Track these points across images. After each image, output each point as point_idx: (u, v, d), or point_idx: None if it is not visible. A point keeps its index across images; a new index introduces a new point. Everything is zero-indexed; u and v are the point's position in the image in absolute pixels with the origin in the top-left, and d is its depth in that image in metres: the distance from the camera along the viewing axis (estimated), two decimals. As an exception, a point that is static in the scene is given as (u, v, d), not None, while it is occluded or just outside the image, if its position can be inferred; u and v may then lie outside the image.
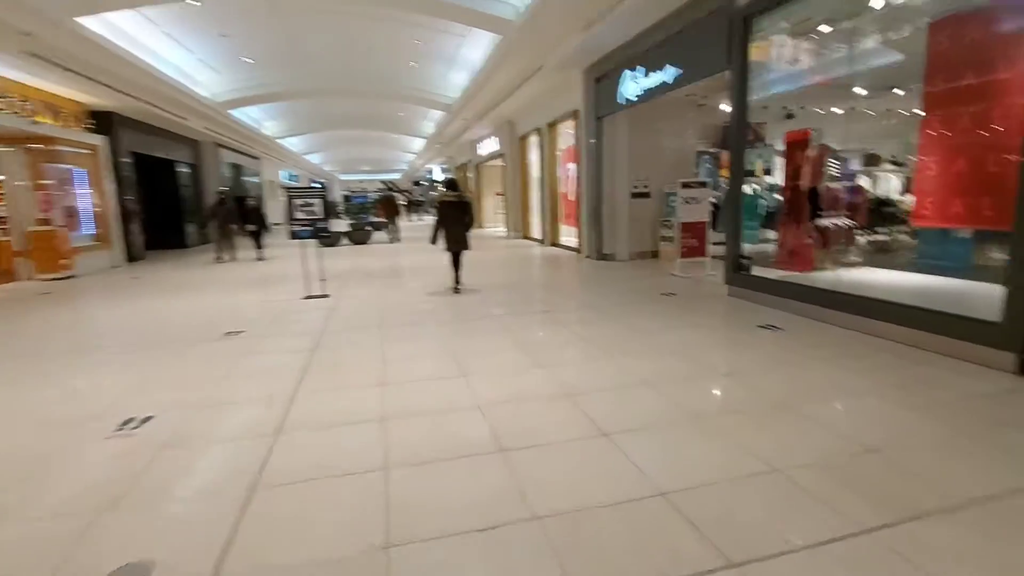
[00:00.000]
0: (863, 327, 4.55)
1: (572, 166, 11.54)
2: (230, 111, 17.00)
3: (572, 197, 11.96)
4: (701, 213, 7.90)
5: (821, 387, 3.51)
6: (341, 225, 16.06)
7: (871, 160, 7.67)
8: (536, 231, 15.00)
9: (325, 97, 18.63)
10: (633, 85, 8.25)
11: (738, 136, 6.05)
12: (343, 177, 57.38)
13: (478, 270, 9.24)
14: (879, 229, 6.82)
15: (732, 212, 6.22)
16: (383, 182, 59.30)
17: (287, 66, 14.84)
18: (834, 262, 6.09)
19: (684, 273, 7.93)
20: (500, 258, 11.43)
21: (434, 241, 7.34)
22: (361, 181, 60.30)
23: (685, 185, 7.79)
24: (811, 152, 5.91)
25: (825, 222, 6.17)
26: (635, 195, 10.01)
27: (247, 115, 19.65)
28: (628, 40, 8.17)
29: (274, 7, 10.84)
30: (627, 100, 8.52)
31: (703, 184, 7.88)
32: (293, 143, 28.48)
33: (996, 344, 3.56)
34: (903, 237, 6.44)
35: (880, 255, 6.52)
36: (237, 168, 21.98)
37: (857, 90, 5.83)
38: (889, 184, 7.42)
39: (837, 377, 3.65)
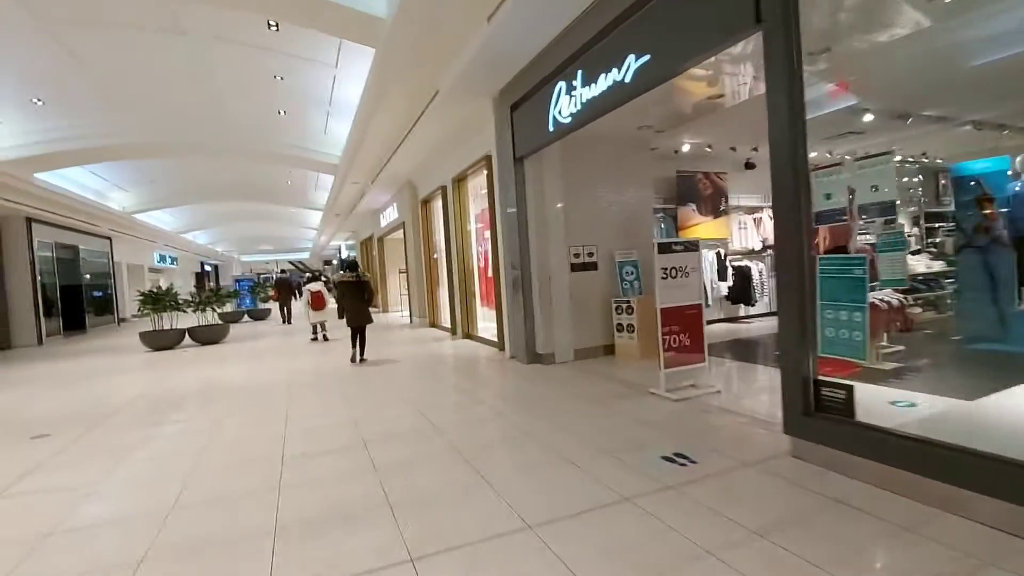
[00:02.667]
0: None
1: (489, 233, 8.47)
2: (36, 174, 12.81)
3: (491, 273, 8.82)
4: (692, 292, 4.89)
5: None
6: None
7: None
8: (446, 318, 11.63)
9: (181, 157, 14.86)
10: (568, 100, 5.39)
11: (792, 145, 3.10)
12: (245, 259, 52.07)
13: (338, 402, 5.65)
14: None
15: (796, 288, 3.16)
16: (291, 262, 54.64)
17: (107, 112, 11.12)
18: None
19: (673, 392, 4.77)
20: (384, 366, 7.83)
21: (340, 316, 8.42)
22: (267, 262, 55.33)
23: (664, 248, 4.79)
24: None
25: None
26: (577, 267, 6.98)
27: (76, 182, 15.41)
28: (557, 35, 5.40)
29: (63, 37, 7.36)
30: (560, 124, 5.64)
31: (693, 247, 4.91)
32: (162, 219, 23.99)
33: None
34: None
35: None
36: (70, 249, 17.23)
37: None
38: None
39: None
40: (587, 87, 5.07)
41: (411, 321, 13.95)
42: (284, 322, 17.00)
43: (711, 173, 9.46)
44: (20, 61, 8.88)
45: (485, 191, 8.43)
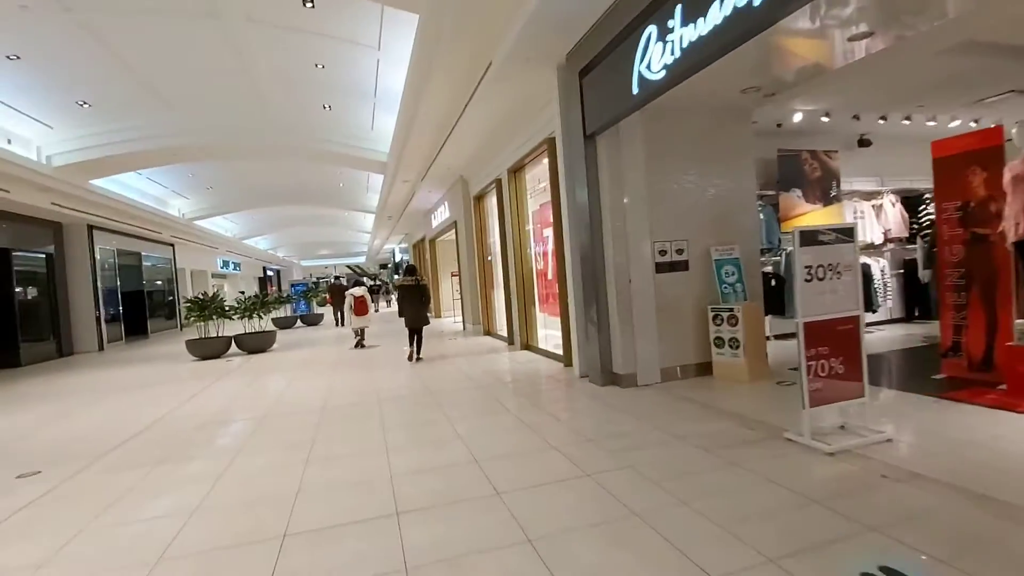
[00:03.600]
0: None
1: (552, 231, 7.30)
2: (92, 181, 12.76)
3: (552, 276, 7.64)
4: (847, 298, 3.49)
5: None
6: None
7: None
8: (502, 326, 10.53)
9: (231, 161, 14.59)
10: (661, 49, 4.12)
11: None
12: (305, 263, 53.37)
13: (373, 441, 4.63)
14: None
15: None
16: (348, 266, 55.54)
17: (152, 113, 10.78)
18: None
19: (821, 439, 3.40)
20: (435, 386, 6.79)
21: (401, 315, 8.72)
22: (325, 267, 56.56)
23: (809, 239, 3.41)
24: None
25: None
26: (663, 267, 5.66)
27: (135, 189, 15.48)
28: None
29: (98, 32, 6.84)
30: (649, 83, 4.37)
31: (847, 235, 3.51)
32: (223, 226, 24.34)
33: None
34: None
35: None
36: (133, 256, 17.45)
37: None
38: None
39: None
40: (690, 24, 3.77)
41: (464, 328, 12.96)
42: (337, 325, 17.19)
43: (819, 152, 7.87)
44: (61, 62, 8.52)
45: (545, 184, 7.26)
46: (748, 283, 5.75)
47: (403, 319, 8.61)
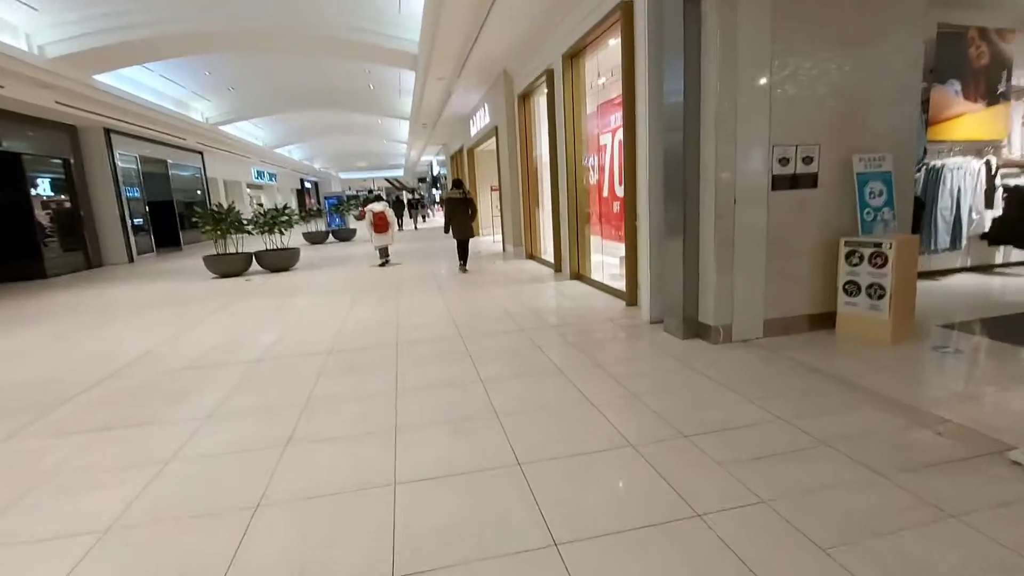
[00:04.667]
0: None
1: (620, 134, 5.71)
2: (96, 76, 11.57)
3: (619, 190, 6.16)
4: None
5: None
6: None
7: None
8: (548, 250, 9.18)
9: (249, 56, 13.05)
10: None
11: None
12: (344, 175, 52.39)
13: (381, 408, 3.49)
14: None
15: None
16: (387, 179, 54.24)
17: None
18: None
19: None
20: (456, 321, 5.61)
21: (447, 231, 9.03)
22: (364, 179, 55.48)
23: None
24: None
25: None
26: (782, 182, 4.09)
27: (150, 89, 14.25)
28: None
29: None
30: None
31: None
32: (252, 133, 23.14)
33: None
34: None
35: None
36: (159, 163, 16.58)
37: None
38: None
39: None
40: None
41: (504, 249, 11.66)
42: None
43: (989, 30, 5.77)
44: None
45: (606, 79, 5.58)
46: (900, 208, 4.14)
47: (450, 231, 8.94)
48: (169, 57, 11.90)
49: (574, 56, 6.87)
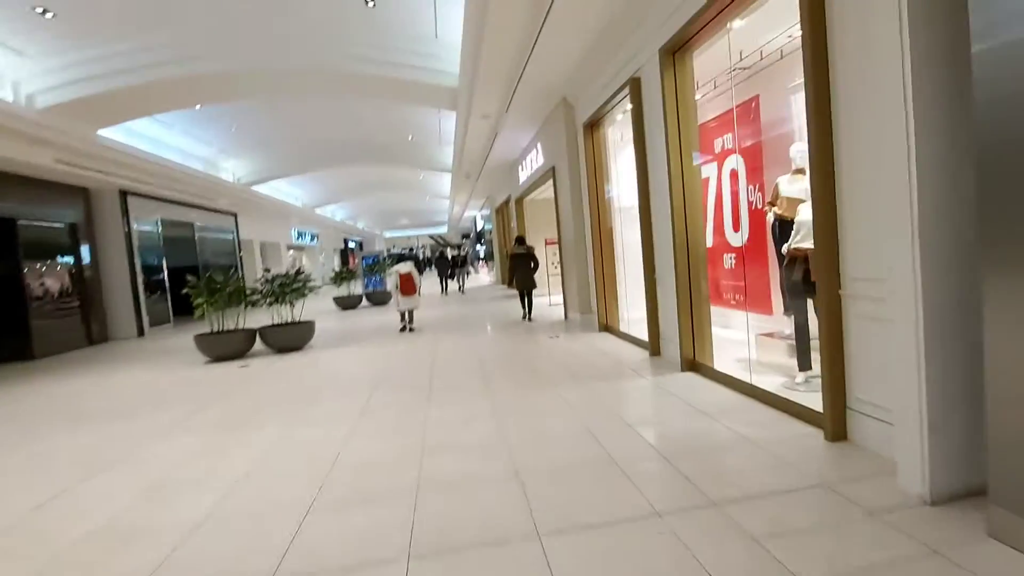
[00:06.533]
0: None
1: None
2: (101, 131, 10.38)
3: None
4: None
5: None
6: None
7: None
8: (631, 319, 6.79)
9: (265, 100, 11.76)
10: None
11: None
12: (388, 234, 52.16)
13: None
14: None
15: None
16: (431, 236, 53.64)
17: (142, 32, 7.93)
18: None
19: None
20: (515, 463, 3.20)
21: (509, 284, 11.96)
22: (407, 237, 55.16)
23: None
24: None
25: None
26: None
27: (174, 149, 13.16)
28: None
29: None
30: None
31: None
32: (290, 193, 22.26)
33: None
34: None
35: None
36: (184, 227, 15.41)
37: None
38: None
39: None
40: None
41: (566, 317, 9.32)
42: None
43: None
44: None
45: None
46: None
47: (514, 283, 9.89)
48: (180, 106, 10.64)
49: (678, 49, 4.72)
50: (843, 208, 2.96)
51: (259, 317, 8.59)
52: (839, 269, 3.04)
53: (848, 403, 3.08)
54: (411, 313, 9.32)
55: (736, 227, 6.06)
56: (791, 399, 3.66)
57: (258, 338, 8.17)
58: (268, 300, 8.16)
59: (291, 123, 14.03)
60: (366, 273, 16.35)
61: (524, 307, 9.63)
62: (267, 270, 8.71)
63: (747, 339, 5.54)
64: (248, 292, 8.03)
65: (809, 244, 4.09)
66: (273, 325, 8.16)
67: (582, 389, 4.75)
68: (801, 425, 3.41)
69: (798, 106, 5.05)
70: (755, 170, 5.67)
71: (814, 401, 3.36)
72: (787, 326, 4.84)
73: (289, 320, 8.31)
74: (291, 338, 8.14)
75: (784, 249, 4.33)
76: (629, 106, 6.62)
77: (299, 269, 8.69)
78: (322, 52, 8.78)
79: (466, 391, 5.00)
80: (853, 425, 3.05)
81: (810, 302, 4.26)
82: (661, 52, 4.82)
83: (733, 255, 6.13)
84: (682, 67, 4.80)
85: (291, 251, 28.99)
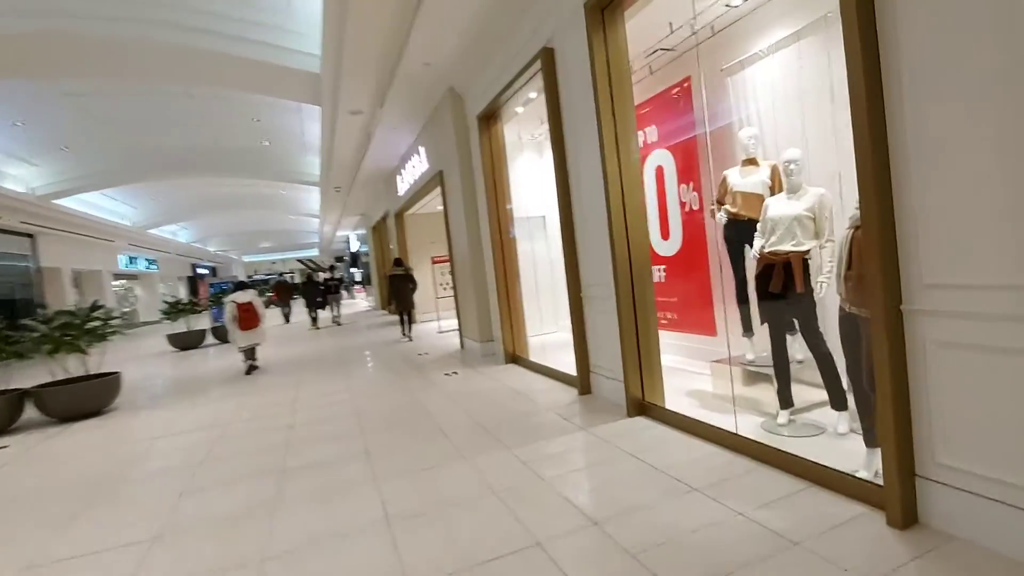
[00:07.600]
0: None
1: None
2: None
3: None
4: None
5: None
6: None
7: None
8: (549, 348, 5.62)
9: (77, 87, 9.07)
10: None
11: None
12: (247, 259, 46.86)
13: None
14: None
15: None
16: (300, 260, 49.19)
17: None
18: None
19: None
20: None
21: (388, 305, 11.80)
22: (273, 262, 50.09)
23: None
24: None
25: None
26: None
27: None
28: None
29: None
30: None
31: None
32: (115, 211, 18.39)
33: None
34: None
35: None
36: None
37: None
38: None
39: None
40: None
41: (462, 346, 7.94)
42: (286, 321, 17.07)
43: None
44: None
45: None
46: None
47: (394, 304, 9.81)
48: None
49: (607, 5, 3.69)
50: (910, 182, 2.00)
51: (38, 372, 6.07)
52: (898, 272, 2.07)
53: (918, 469, 2.10)
54: (254, 350, 7.60)
55: (665, 234, 5.20)
56: (804, 456, 2.64)
57: (27, 403, 5.70)
58: (45, 348, 5.74)
59: (110, 120, 11.15)
60: (212, 303, 13.58)
61: (403, 324, 9.76)
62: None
63: (695, 368, 4.59)
64: (8, 338, 5.56)
65: (790, 247, 3.18)
66: (53, 383, 5.75)
67: (504, 457, 3.40)
68: (831, 496, 2.39)
69: (738, 88, 4.27)
70: (689, 167, 4.84)
71: (821, 451, 2.40)
72: (747, 350, 3.95)
73: (81, 374, 5.94)
74: (80, 400, 5.76)
75: (754, 253, 3.41)
76: (532, 94, 5.57)
77: (95, 303, 6.30)
78: (147, 19, 6.65)
79: (337, 476, 3.41)
80: (928, 502, 2.07)
81: (795, 321, 3.37)
82: (587, 8, 3.75)
83: (663, 267, 5.25)
84: (613, 29, 3.77)
85: (120, 281, 24.26)
